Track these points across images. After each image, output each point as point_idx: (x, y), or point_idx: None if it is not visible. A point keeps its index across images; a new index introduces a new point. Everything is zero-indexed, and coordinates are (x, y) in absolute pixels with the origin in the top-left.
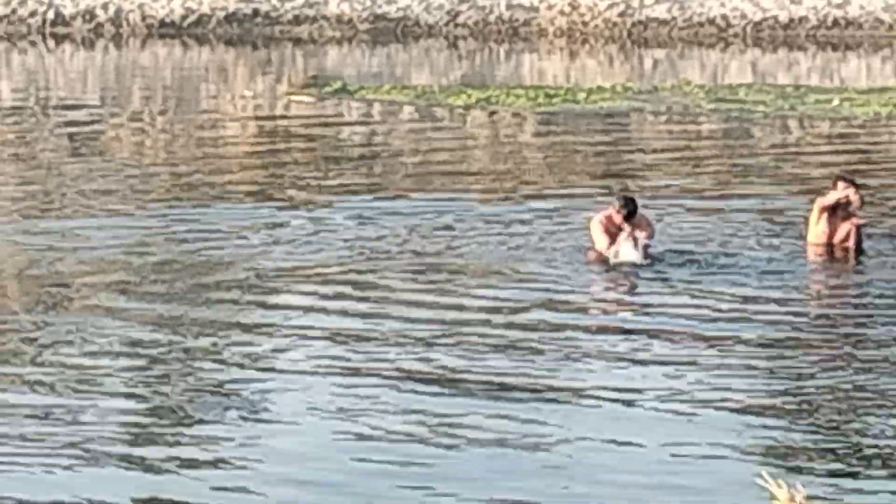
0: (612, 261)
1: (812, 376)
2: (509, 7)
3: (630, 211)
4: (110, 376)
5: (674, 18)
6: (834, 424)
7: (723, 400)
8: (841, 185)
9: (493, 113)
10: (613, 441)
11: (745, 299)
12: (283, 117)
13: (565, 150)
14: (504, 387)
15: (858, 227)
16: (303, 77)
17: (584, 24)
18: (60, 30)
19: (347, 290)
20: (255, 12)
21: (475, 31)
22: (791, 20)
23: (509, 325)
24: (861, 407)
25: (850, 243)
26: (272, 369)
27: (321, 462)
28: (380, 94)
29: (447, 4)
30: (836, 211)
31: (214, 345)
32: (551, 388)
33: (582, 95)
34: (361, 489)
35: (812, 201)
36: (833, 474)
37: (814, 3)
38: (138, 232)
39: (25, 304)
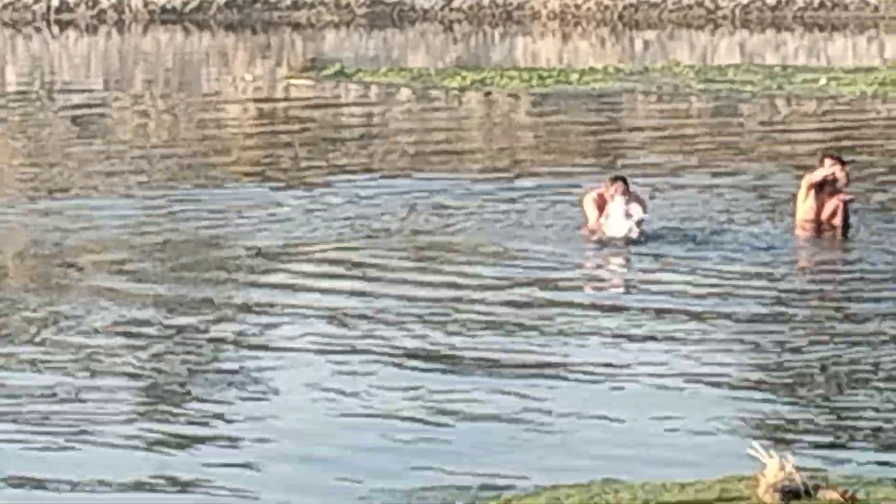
0: (604, 236)
1: (800, 350)
2: None
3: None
4: (113, 355)
5: (664, 1)
6: (822, 398)
7: (713, 374)
8: (828, 162)
9: (487, 94)
10: (605, 416)
11: (735, 275)
12: (283, 100)
13: (558, 130)
14: (498, 363)
15: (845, 204)
16: (301, 60)
17: (577, 6)
18: (64, 16)
19: (346, 268)
20: None
21: (470, 14)
22: (778, 2)
23: (503, 303)
24: (848, 380)
25: (838, 219)
26: (272, 347)
27: (319, 438)
28: (377, 77)
29: None
30: (824, 188)
31: (216, 324)
32: (544, 365)
33: (574, 77)
34: (358, 464)
35: (800, 178)
36: (821, 446)
37: None
38: (141, 212)
39: (30, 283)
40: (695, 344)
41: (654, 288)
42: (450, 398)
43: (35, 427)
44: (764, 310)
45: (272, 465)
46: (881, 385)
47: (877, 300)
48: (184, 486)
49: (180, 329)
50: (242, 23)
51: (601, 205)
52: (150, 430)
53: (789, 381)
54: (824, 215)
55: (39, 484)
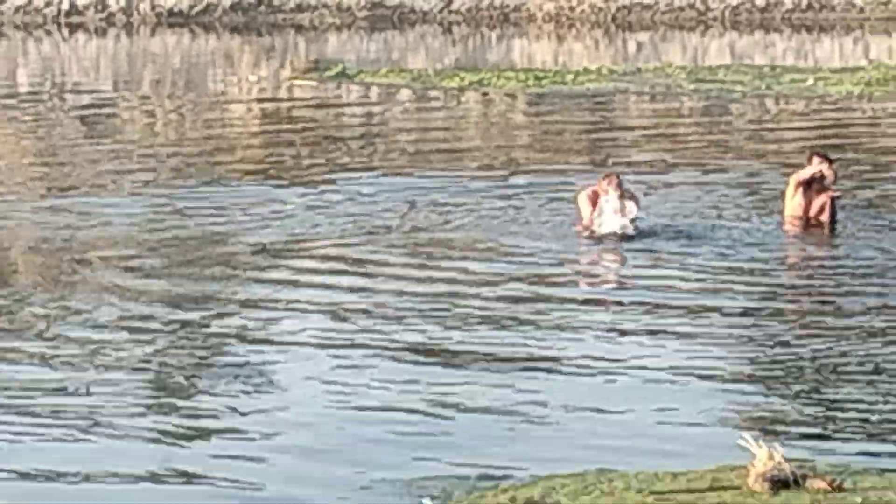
0: (598, 231)
1: (789, 344)
2: None
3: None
4: (121, 350)
5: (656, 3)
6: (810, 390)
7: (704, 368)
8: (816, 160)
9: (485, 94)
10: (599, 408)
11: (726, 270)
12: (287, 100)
13: (554, 129)
14: (495, 357)
15: (833, 200)
16: (305, 62)
17: (571, 9)
18: (74, 19)
19: (347, 264)
20: (259, 1)
21: (468, 17)
22: (767, 4)
23: (500, 298)
24: (836, 373)
25: (825, 216)
26: (275, 342)
27: (321, 431)
28: (378, 78)
29: None
30: (812, 185)
31: (221, 319)
32: (540, 359)
33: (569, 77)
34: (359, 457)
35: (788, 176)
36: (809, 437)
37: None
38: (149, 209)
39: (40, 279)
40: (686, 338)
41: (646, 283)
42: (448, 391)
43: (45, 420)
44: (754, 304)
45: (276, 456)
46: (868, 378)
47: (863, 294)
48: (190, 478)
49: (186, 324)
50: (247, 25)
51: (595, 201)
52: (158, 423)
53: (778, 374)
54: (812, 212)
55: (49, 476)
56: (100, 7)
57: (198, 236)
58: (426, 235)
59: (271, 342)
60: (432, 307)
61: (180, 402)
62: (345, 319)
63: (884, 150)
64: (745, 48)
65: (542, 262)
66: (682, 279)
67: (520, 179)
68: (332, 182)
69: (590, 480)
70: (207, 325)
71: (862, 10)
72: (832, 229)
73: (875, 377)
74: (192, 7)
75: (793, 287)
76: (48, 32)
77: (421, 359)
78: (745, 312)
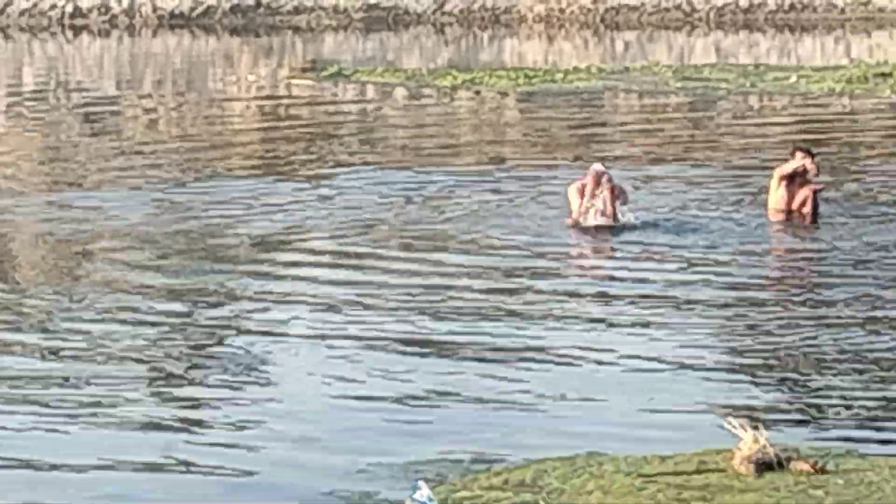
0: (586, 223)
1: (774, 333)
2: None
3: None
4: (121, 342)
5: (643, 4)
6: (794, 378)
7: (691, 357)
8: (798, 154)
9: (477, 92)
10: (588, 397)
11: (712, 262)
12: (285, 98)
13: (544, 126)
14: (487, 348)
15: (815, 193)
16: (302, 62)
17: (561, 10)
18: (78, 21)
19: (343, 258)
20: (258, 3)
21: (460, 18)
22: (751, 4)
23: (491, 290)
24: (819, 362)
25: (808, 208)
26: (272, 334)
27: (317, 420)
28: (373, 77)
29: None
30: (795, 178)
31: (219, 312)
32: (531, 349)
33: (559, 76)
34: (354, 444)
35: (772, 170)
36: (793, 422)
37: None
38: (150, 204)
39: (44, 272)
40: (673, 328)
41: (634, 275)
42: (441, 381)
43: (46, 410)
44: (738, 295)
45: (273, 445)
46: (850, 366)
47: (845, 284)
48: (189, 467)
49: (185, 316)
50: (246, 27)
51: (584, 194)
52: (157, 413)
53: (763, 362)
54: (795, 204)
55: (50, 466)
56: (103, 9)
57: (197, 230)
58: (420, 229)
59: (268, 334)
60: (425, 299)
61: (179, 393)
62: (339, 311)
63: (864, 145)
64: (729, 47)
65: (532, 254)
66: (669, 271)
67: (511, 174)
68: (329, 177)
69: (580, 464)
70: (205, 317)
71: (843, 10)
72: (814, 221)
73: (857, 365)
74: (192, 9)
75: (776, 278)
76: (53, 34)
77: (414, 349)
78: (731, 303)
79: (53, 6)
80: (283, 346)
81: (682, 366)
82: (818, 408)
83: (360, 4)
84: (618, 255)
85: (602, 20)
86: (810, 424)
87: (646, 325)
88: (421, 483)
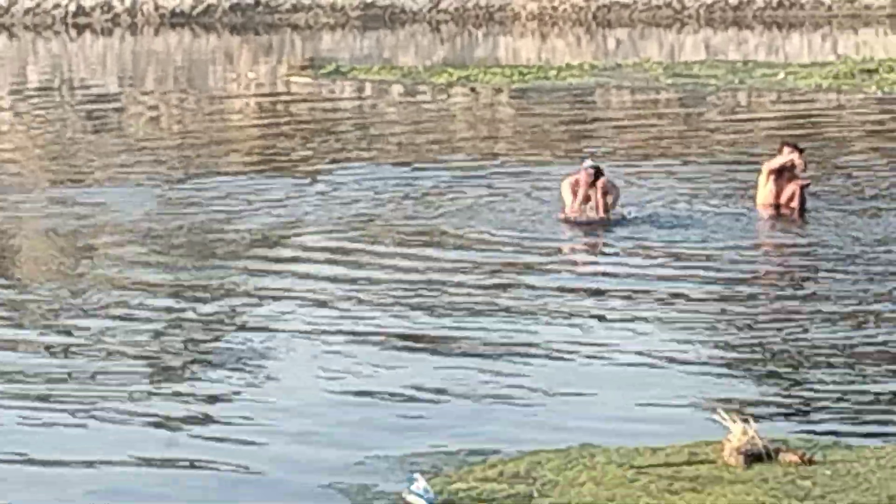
0: (579, 219)
1: (762, 327)
2: None
3: (596, 177)
4: (122, 338)
5: (634, 2)
6: (783, 371)
7: (681, 351)
8: (786, 150)
9: (472, 89)
10: (581, 392)
11: (701, 257)
12: (284, 94)
13: (538, 122)
14: (481, 343)
15: (802, 188)
16: (300, 60)
17: (554, 8)
18: (81, 20)
19: (340, 254)
20: (257, 2)
21: (455, 16)
22: (740, 2)
23: (485, 286)
24: (807, 355)
25: (795, 203)
26: (270, 330)
27: (313, 416)
28: (370, 74)
29: None
30: (783, 173)
31: (218, 308)
32: (524, 344)
33: (552, 73)
34: (351, 438)
35: (760, 165)
36: (782, 415)
37: None
38: (152, 199)
39: (47, 268)
40: (664, 322)
41: (626, 270)
42: (436, 376)
43: (50, 406)
44: (727, 289)
45: (271, 440)
46: (837, 359)
47: (832, 277)
48: (190, 462)
49: (184, 312)
50: (246, 25)
51: (577, 189)
52: (157, 409)
53: (752, 356)
54: (783, 199)
55: (53, 461)
56: (105, 8)
57: (197, 226)
58: (416, 224)
59: (265, 329)
60: (420, 295)
61: (179, 388)
62: (336, 307)
63: (850, 140)
64: (718, 44)
65: (526, 249)
66: (660, 265)
67: (505, 169)
68: (327, 173)
69: (573, 455)
70: (205, 313)
71: (830, 7)
72: (802, 215)
73: (844, 358)
74: (193, 8)
75: (765, 272)
76: (56, 33)
77: (409, 345)
78: (720, 297)
79: (57, 5)
80: (280, 342)
81: (673, 360)
82: (806, 400)
83: (358, 3)
84: (609, 250)
85: (594, 18)
86: (798, 417)
87: (637, 319)
88: (417, 475)
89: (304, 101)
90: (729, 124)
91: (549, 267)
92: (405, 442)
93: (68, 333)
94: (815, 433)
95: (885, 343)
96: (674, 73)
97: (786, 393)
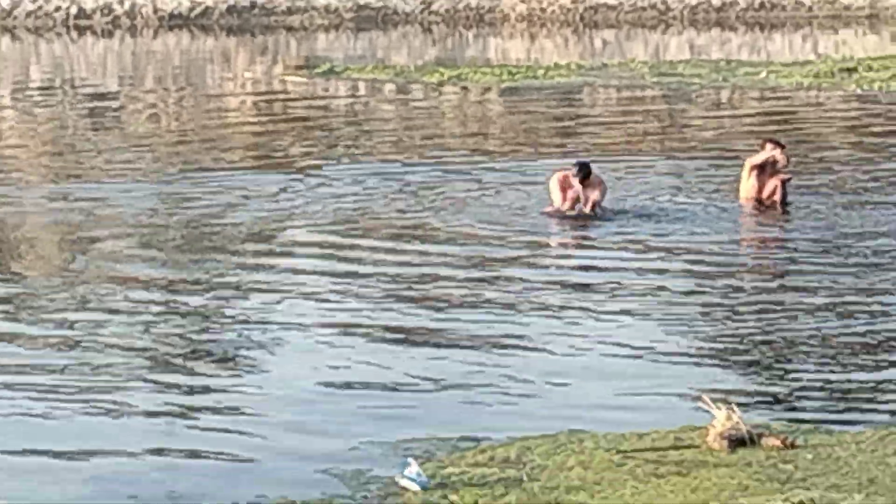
0: (567, 213)
1: (745, 318)
2: None
3: (584, 174)
4: (120, 331)
5: (620, 3)
6: (765, 360)
7: (666, 342)
8: (768, 146)
9: (463, 88)
10: (569, 382)
11: (686, 251)
12: (280, 93)
13: (526, 120)
14: (471, 336)
15: (784, 183)
16: (296, 60)
17: (542, 10)
18: (82, 22)
19: (334, 249)
20: (253, 4)
21: (446, 17)
22: (723, 3)
23: (475, 280)
24: (789, 344)
25: (777, 197)
26: (265, 323)
27: (308, 406)
28: (363, 74)
29: None
30: (765, 169)
31: (214, 302)
32: (513, 336)
33: (541, 72)
34: (345, 429)
35: (743, 160)
36: (765, 403)
37: None
38: (151, 195)
39: (48, 262)
40: (650, 314)
41: (612, 264)
42: (427, 367)
43: (50, 397)
44: (712, 282)
45: (267, 430)
46: (817, 349)
47: (813, 269)
48: (188, 453)
49: (180, 306)
50: (242, 27)
51: (565, 185)
52: (156, 401)
53: (735, 346)
54: (765, 193)
55: (54, 452)
56: (106, 11)
57: (194, 220)
58: (407, 219)
59: (261, 323)
60: (412, 288)
61: (174, 380)
62: (330, 301)
63: (830, 136)
64: (702, 44)
65: (514, 244)
66: (645, 258)
67: (494, 165)
68: (321, 168)
69: (561, 441)
70: (201, 307)
71: (810, 8)
72: (784, 209)
73: (825, 348)
74: (191, 10)
75: (748, 264)
76: (58, 35)
77: (400, 337)
78: (704, 289)
79: (58, 8)
80: (274, 335)
81: (658, 351)
82: (788, 388)
83: (351, 5)
84: (596, 244)
85: (581, 19)
86: (781, 403)
87: (623, 311)
88: (410, 460)
89: (300, 99)
90: (712, 121)
91: (536, 261)
92: (398, 430)
93: (68, 326)
94: (797, 420)
95: (864, 333)
96: (659, 73)
97: (769, 381)
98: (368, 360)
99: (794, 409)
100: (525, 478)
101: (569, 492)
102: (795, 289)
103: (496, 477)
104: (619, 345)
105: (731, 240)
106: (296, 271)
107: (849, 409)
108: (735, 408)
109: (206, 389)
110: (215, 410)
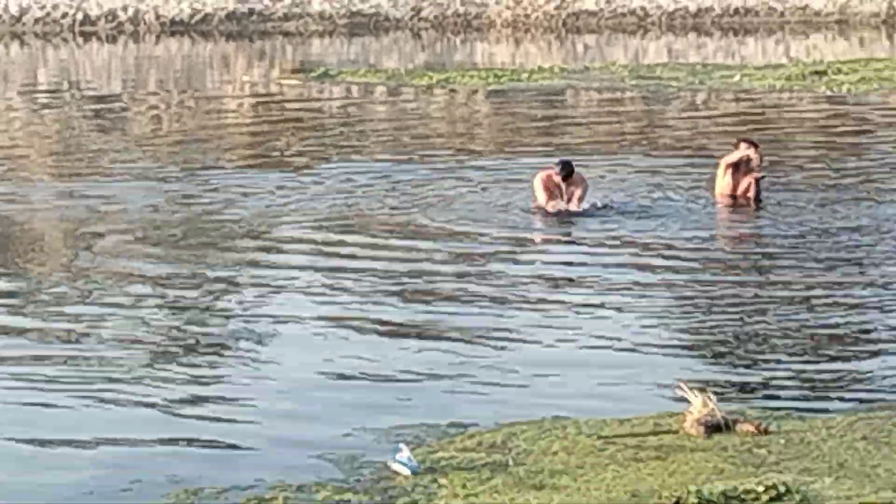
0: (550, 210)
1: (721, 311)
2: (464, 3)
3: (567, 172)
4: (120, 325)
5: (601, 10)
6: (740, 351)
7: (646, 335)
8: (743, 145)
9: (451, 91)
10: (553, 373)
11: (664, 246)
12: (276, 96)
13: (512, 120)
14: (461, 329)
15: (757, 181)
16: (292, 64)
17: (527, 16)
18: (87, 28)
19: (327, 246)
20: (251, 11)
21: (435, 23)
22: (699, 9)
23: (462, 275)
24: (763, 336)
25: (751, 194)
26: (259, 316)
27: (302, 397)
28: (356, 77)
29: (412, 1)
30: (739, 167)
31: (211, 297)
32: (498, 330)
33: (525, 75)
34: (337, 417)
35: (718, 159)
36: (739, 390)
37: None
38: (153, 194)
39: (53, 258)
40: (630, 308)
41: (594, 260)
42: (416, 359)
43: (53, 389)
44: (688, 276)
45: (263, 419)
46: (790, 340)
47: (786, 266)
48: (189, 441)
49: (178, 300)
50: (241, 33)
51: (548, 184)
52: (155, 393)
53: (712, 338)
54: (739, 191)
55: (59, 441)
56: (110, 17)
57: (193, 217)
58: (398, 217)
59: (256, 316)
60: (401, 283)
61: (175, 372)
62: (323, 295)
63: (801, 136)
64: (679, 48)
65: (500, 240)
66: (625, 254)
67: (482, 163)
68: (316, 167)
69: (546, 426)
70: (200, 302)
71: (782, 14)
72: (757, 206)
73: (796, 339)
74: (192, 17)
75: (723, 259)
76: (64, 40)
77: (390, 330)
78: (681, 283)
79: (65, 14)
80: (269, 328)
81: (638, 343)
82: (762, 376)
83: (344, 11)
84: (578, 240)
85: (564, 25)
86: (755, 391)
87: (604, 305)
88: (402, 446)
89: (295, 101)
90: (689, 122)
91: (521, 256)
92: (389, 417)
93: (72, 319)
94: (771, 407)
95: (836, 325)
96: (638, 76)
97: (743, 371)
98: (360, 351)
99: (767, 396)
100: (511, 462)
101: (553, 475)
102: (768, 282)
103: (483, 461)
104: (600, 336)
105: (706, 236)
106: (291, 266)
107: (819, 397)
108: (711, 395)
109: (205, 380)
110: (214, 400)
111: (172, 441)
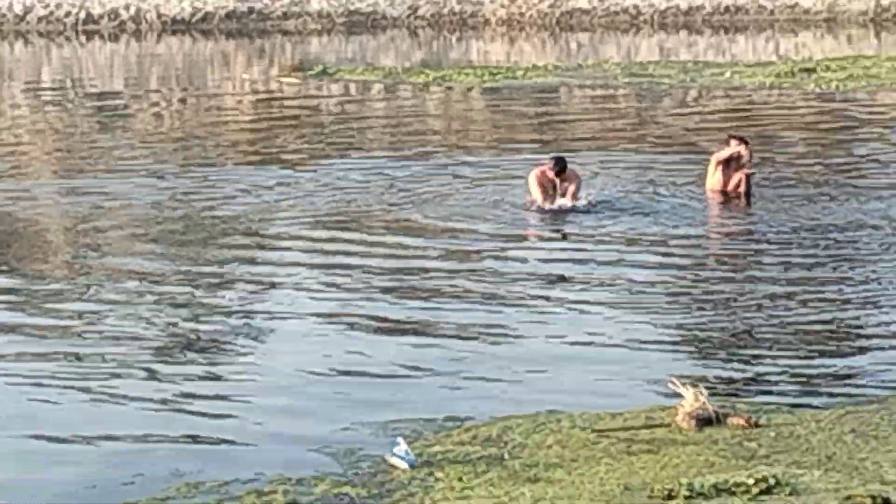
0: (545, 207)
1: (712, 307)
2: (459, 1)
3: (560, 168)
4: (119, 322)
5: (594, 8)
6: (731, 346)
7: (638, 330)
8: (733, 142)
9: (447, 88)
10: (546, 368)
11: (655, 241)
12: (276, 93)
13: (507, 117)
14: (455, 325)
15: (748, 176)
16: (291, 62)
17: (521, 14)
18: (90, 27)
19: (325, 243)
20: (251, 10)
21: (432, 22)
22: (690, 8)
23: (457, 272)
24: (753, 331)
25: (742, 190)
26: (257, 313)
27: (300, 392)
28: (354, 75)
29: (408, 0)
30: (730, 163)
31: (210, 293)
32: (493, 326)
33: (520, 73)
34: (336, 412)
35: (710, 156)
36: (730, 384)
37: None
38: (155, 190)
39: (57, 254)
40: (623, 303)
41: (587, 256)
42: (412, 355)
43: (55, 386)
44: (680, 271)
45: (262, 414)
46: (780, 335)
47: (775, 259)
48: (191, 436)
49: (177, 297)
50: (241, 31)
51: (543, 180)
52: (153, 389)
53: (704, 333)
54: (730, 187)
55: (61, 438)
56: (112, 16)
57: (192, 214)
58: (394, 212)
59: (255, 313)
60: (397, 280)
61: (176, 369)
62: (320, 292)
63: (791, 133)
64: (671, 46)
65: (495, 237)
66: (617, 250)
67: (478, 160)
68: (315, 164)
69: (540, 420)
70: (199, 298)
71: (772, 12)
72: (748, 202)
73: (786, 334)
74: (192, 15)
75: (714, 255)
76: (67, 39)
77: (388, 326)
78: (673, 279)
79: (68, 13)
80: (267, 325)
81: (631, 338)
82: (752, 371)
83: (343, 10)
84: (572, 237)
85: (558, 23)
86: (745, 385)
87: (597, 301)
88: (399, 439)
89: (294, 99)
90: (680, 119)
91: (515, 253)
92: (387, 412)
93: (73, 316)
94: (761, 401)
95: (826, 321)
96: (630, 73)
97: (734, 365)
98: (358, 347)
99: (757, 390)
100: (506, 455)
101: (547, 468)
102: (759, 278)
103: (479, 455)
104: (593, 332)
105: (698, 232)
106: (289, 263)
107: (809, 392)
108: (702, 389)
109: (205, 375)
110: (214, 395)
111: (173, 436)
